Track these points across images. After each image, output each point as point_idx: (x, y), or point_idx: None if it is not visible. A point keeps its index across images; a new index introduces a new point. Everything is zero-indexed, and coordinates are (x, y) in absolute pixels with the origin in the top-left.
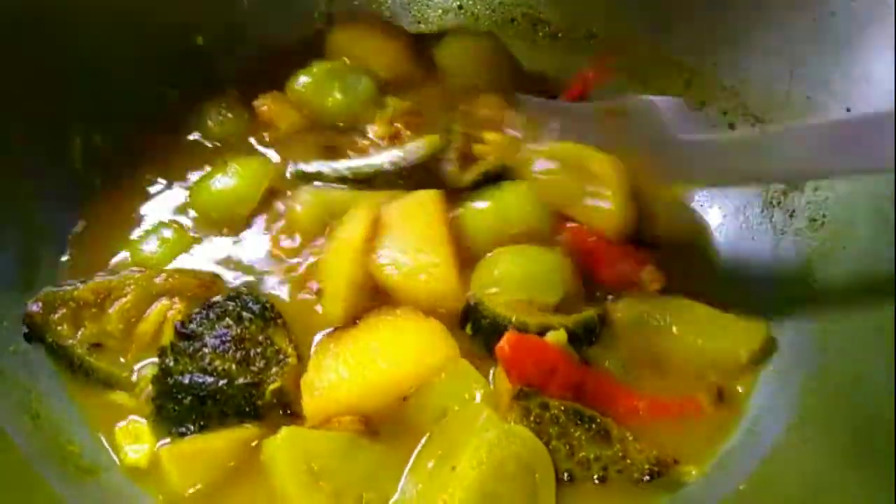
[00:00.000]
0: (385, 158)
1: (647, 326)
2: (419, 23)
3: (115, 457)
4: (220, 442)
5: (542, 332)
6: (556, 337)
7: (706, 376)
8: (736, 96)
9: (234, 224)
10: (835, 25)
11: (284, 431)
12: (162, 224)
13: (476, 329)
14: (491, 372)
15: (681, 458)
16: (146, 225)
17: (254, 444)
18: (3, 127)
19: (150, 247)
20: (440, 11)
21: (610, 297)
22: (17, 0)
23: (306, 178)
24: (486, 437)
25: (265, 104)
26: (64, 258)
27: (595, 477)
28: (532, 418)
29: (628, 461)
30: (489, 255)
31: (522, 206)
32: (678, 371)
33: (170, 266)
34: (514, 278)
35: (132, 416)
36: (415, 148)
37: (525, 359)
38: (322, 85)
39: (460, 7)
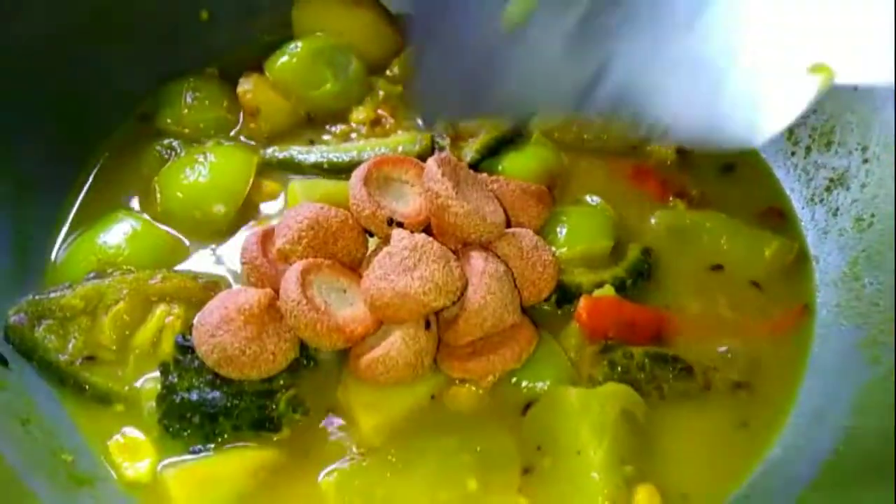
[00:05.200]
0: (368, 152)
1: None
2: None
3: (112, 472)
4: (232, 466)
5: (598, 286)
6: (605, 293)
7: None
8: None
9: (216, 222)
10: None
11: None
12: (126, 214)
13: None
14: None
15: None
16: (107, 218)
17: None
18: None
19: (115, 241)
20: None
21: None
22: None
23: (279, 164)
24: (593, 413)
25: (249, 92)
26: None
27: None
28: (619, 370)
29: (710, 390)
30: None
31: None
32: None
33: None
34: (568, 235)
35: (129, 430)
36: (402, 145)
37: (604, 321)
38: (310, 69)
39: None
